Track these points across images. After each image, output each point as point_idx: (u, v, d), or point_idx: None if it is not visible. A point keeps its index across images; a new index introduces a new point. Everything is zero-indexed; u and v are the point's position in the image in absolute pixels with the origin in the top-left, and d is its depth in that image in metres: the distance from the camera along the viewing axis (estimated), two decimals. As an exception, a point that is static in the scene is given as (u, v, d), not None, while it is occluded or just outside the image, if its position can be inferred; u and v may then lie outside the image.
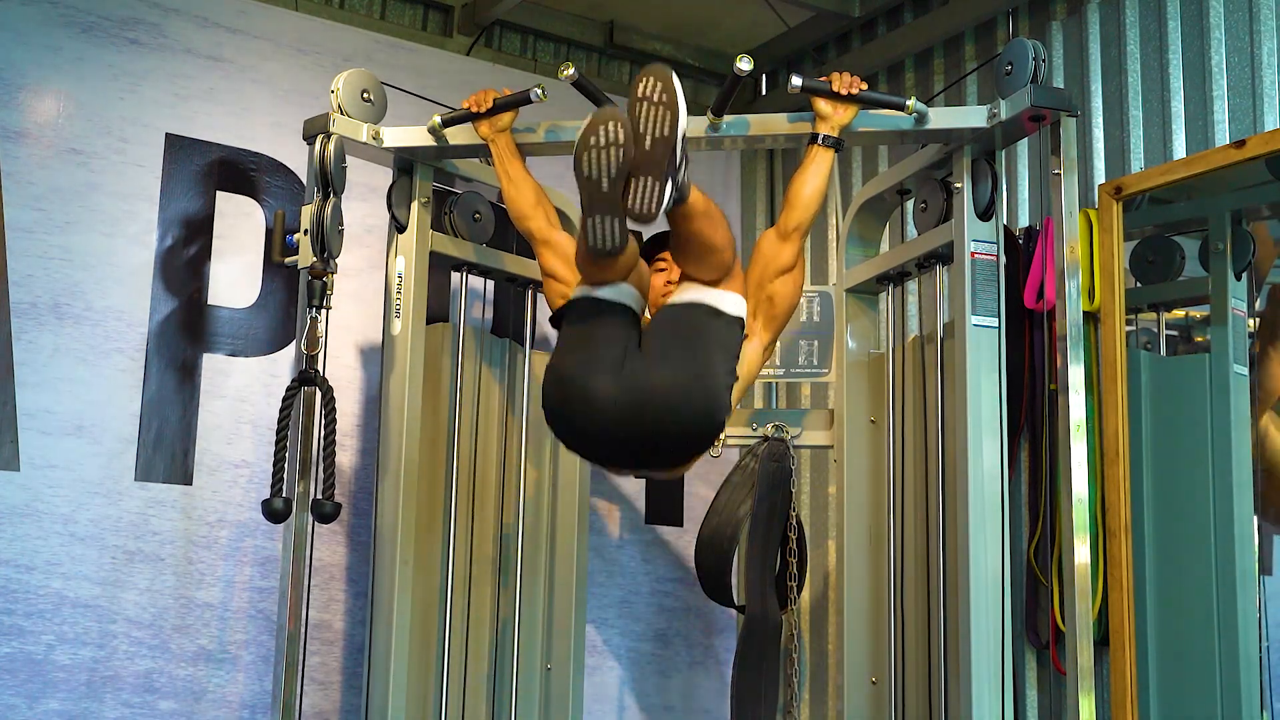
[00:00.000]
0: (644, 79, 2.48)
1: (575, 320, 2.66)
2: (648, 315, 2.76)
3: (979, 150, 2.99)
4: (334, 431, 3.00)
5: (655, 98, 2.47)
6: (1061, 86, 3.40)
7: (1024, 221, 3.48)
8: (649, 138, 2.46)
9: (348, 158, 3.09)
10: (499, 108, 3.03)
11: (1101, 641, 3.04)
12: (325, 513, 2.96)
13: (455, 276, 3.44)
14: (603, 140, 2.44)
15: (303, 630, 2.98)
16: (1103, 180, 3.28)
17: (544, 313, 3.53)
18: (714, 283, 2.69)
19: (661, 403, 2.53)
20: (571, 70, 2.95)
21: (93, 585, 3.24)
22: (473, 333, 3.46)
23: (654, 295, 2.89)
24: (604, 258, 2.53)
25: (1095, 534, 3.04)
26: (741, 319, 2.71)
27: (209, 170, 3.53)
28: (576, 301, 2.67)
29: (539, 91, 2.97)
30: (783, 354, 3.55)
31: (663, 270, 3.04)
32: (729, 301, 2.69)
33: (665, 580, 4.10)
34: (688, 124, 2.52)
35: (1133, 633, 2.99)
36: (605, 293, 2.64)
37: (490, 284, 3.63)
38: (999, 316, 2.95)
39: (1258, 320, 3.11)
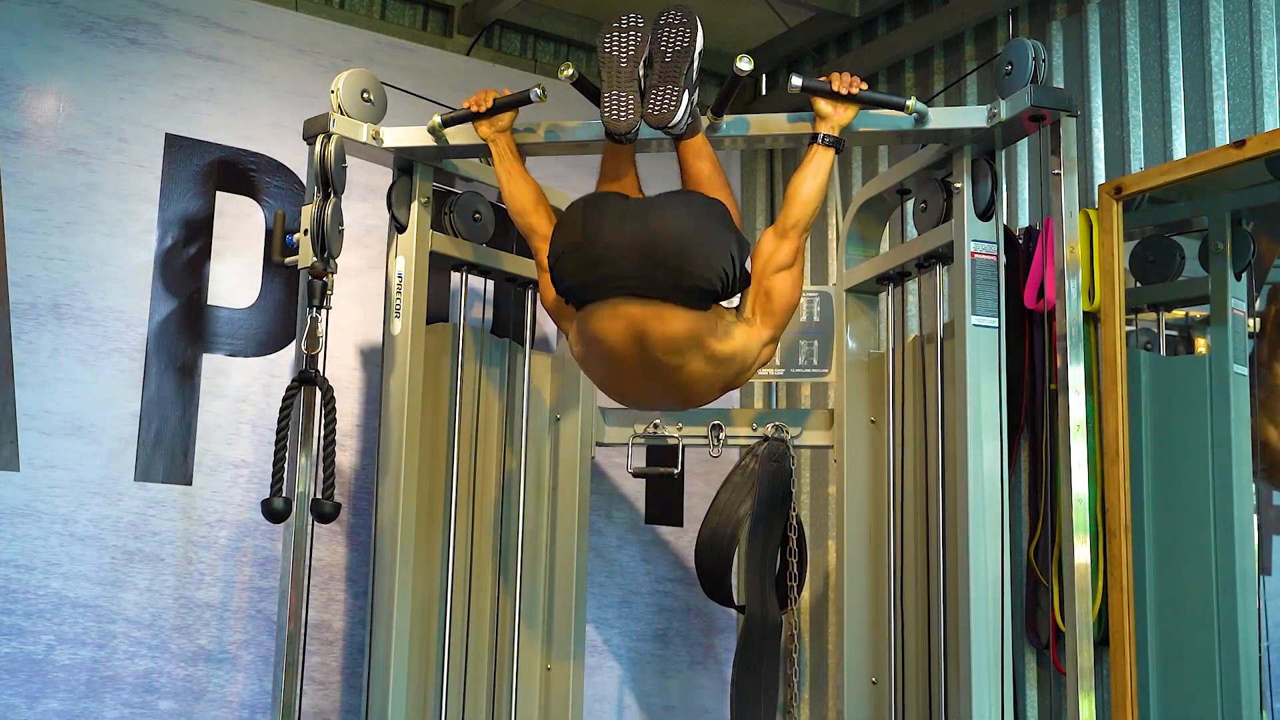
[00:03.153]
0: (667, 10, 2.80)
1: (577, 201, 2.80)
2: None
3: (979, 150, 2.99)
4: (334, 431, 3.00)
5: (676, 20, 2.79)
6: (1061, 86, 3.40)
7: (1024, 221, 3.49)
8: (670, 52, 2.77)
9: (348, 158, 3.09)
10: (499, 108, 3.03)
11: (1101, 641, 3.04)
12: (325, 513, 2.96)
13: (455, 276, 3.44)
14: (625, 24, 2.79)
15: (303, 630, 2.98)
16: (1103, 180, 3.28)
17: (544, 313, 3.54)
18: None
19: (665, 224, 2.64)
20: (571, 70, 2.95)
21: (92, 585, 3.24)
22: (473, 333, 3.46)
23: None
24: (618, 136, 2.75)
25: (1095, 534, 3.04)
26: (730, 219, 2.77)
27: (209, 170, 3.53)
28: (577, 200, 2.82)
29: (539, 91, 2.96)
30: (783, 354, 3.55)
31: None
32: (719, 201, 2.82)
33: (665, 580, 4.10)
34: (702, 44, 2.80)
35: (1133, 633, 2.99)
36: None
37: (490, 284, 3.63)
38: (999, 316, 2.95)
39: (1258, 320, 3.11)
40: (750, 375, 2.90)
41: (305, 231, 3.02)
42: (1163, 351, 3.27)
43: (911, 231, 3.43)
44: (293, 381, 3.01)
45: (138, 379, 3.36)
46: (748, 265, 2.81)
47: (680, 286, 2.64)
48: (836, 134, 2.90)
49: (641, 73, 2.78)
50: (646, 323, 2.66)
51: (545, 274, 2.97)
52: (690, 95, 2.78)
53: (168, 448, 3.38)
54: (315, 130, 3.07)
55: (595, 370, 2.88)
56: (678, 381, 2.78)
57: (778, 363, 3.55)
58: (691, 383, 2.79)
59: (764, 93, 4.39)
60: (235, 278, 3.54)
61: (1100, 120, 3.34)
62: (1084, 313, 2.90)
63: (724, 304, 2.83)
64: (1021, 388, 3.26)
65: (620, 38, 2.78)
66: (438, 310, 3.45)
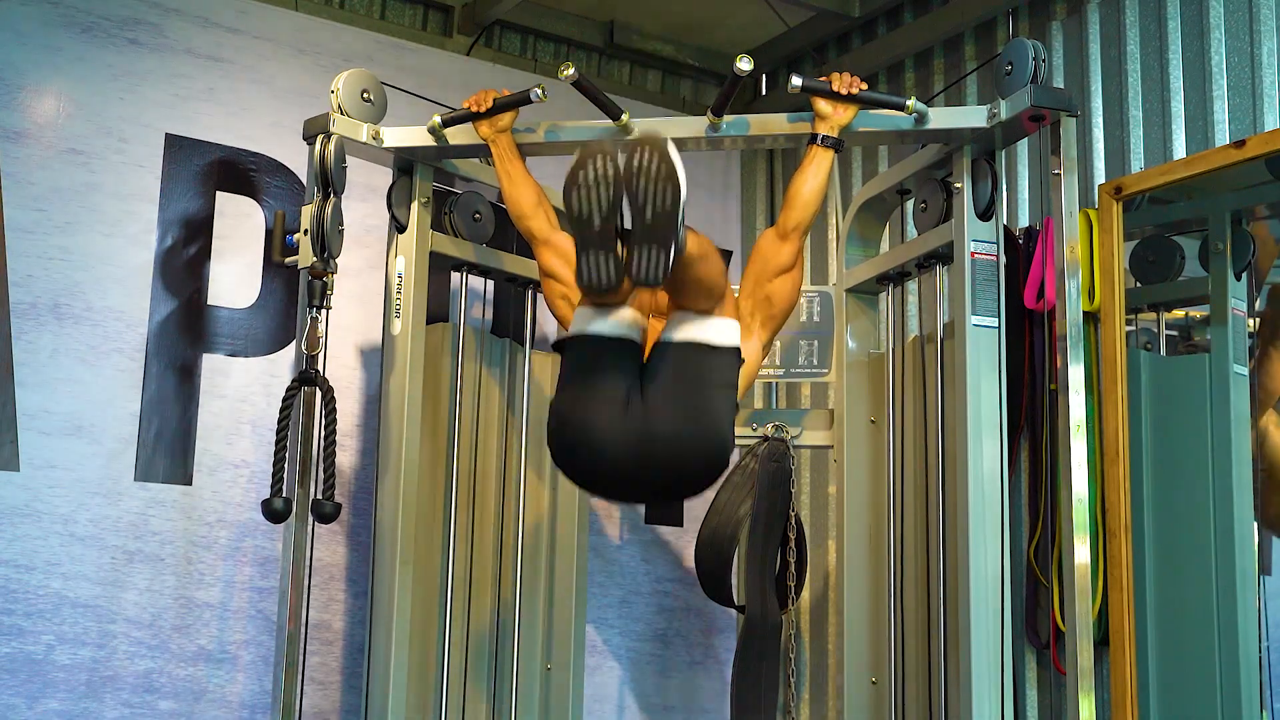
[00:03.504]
0: (639, 150, 2.38)
1: (576, 359, 2.66)
2: (654, 323, 2.77)
3: (979, 150, 2.99)
4: (334, 431, 3.00)
5: (653, 171, 2.37)
6: (1061, 86, 3.39)
7: (1024, 221, 3.48)
8: (650, 210, 2.38)
9: (348, 158, 3.09)
10: (499, 108, 3.03)
11: (1101, 641, 3.04)
12: (325, 513, 2.96)
13: (455, 276, 3.44)
14: (592, 177, 2.39)
15: (303, 630, 2.98)
16: (1103, 180, 3.28)
17: (544, 313, 3.54)
18: (708, 311, 2.67)
19: (666, 449, 2.58)
20: (571, 70, 2.95)
21: (92, 585, 3.24)
22: (473, 333, 3.46)
23: (654, 302, 2.92)
24: (601, 294, 2.52)
25: (1095, 534, 3.04)
26: (737, 347, 2.71)
27: (209, 170, 3.53)
28: (577, 339, 2.66)
29: (539, 91, 2.96)
30: (783, 354, 3.55)
31: None
32: (724, 332, 2.69)
33: (665, 580, 4.10)
34: (686, 195, 2.42)
35: (1133, 633, 2.99)
36: (605, 327, 2.63)
37: (490, 284, 3.63)
38: (999, 316, 2.95)
39: (1258, 320, 3.11)
40: (751, 382, 2.93)
41: (305, 231, 3.02)
42: (1163, 351, 3.27)
43: (911, 231, 3.43)
44: (293, 381, 3.01)
45: (138, 379, 3.36)
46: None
47: (684, 490, 2.86)
48: (836, 134, 2.90)
49: (618, 225, 2.45)
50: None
51: (549, 280, 2.97)
52: (675, 246, 2.43)
53: (168, 448, 3.38)
54: (315, 130, 3.07)
55: None
56: None
57: (778, 363, 3.55)
58: None
59: (764, 93, 4.39)
60: (235, 278, 3.54)
61: (1100, 120, 3.34)
62: (1084, 313, 2.91)
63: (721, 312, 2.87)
64: (1021, 388, 3.26)
65: (589, 194, 2.39)
66: (438, 310, 3.45)
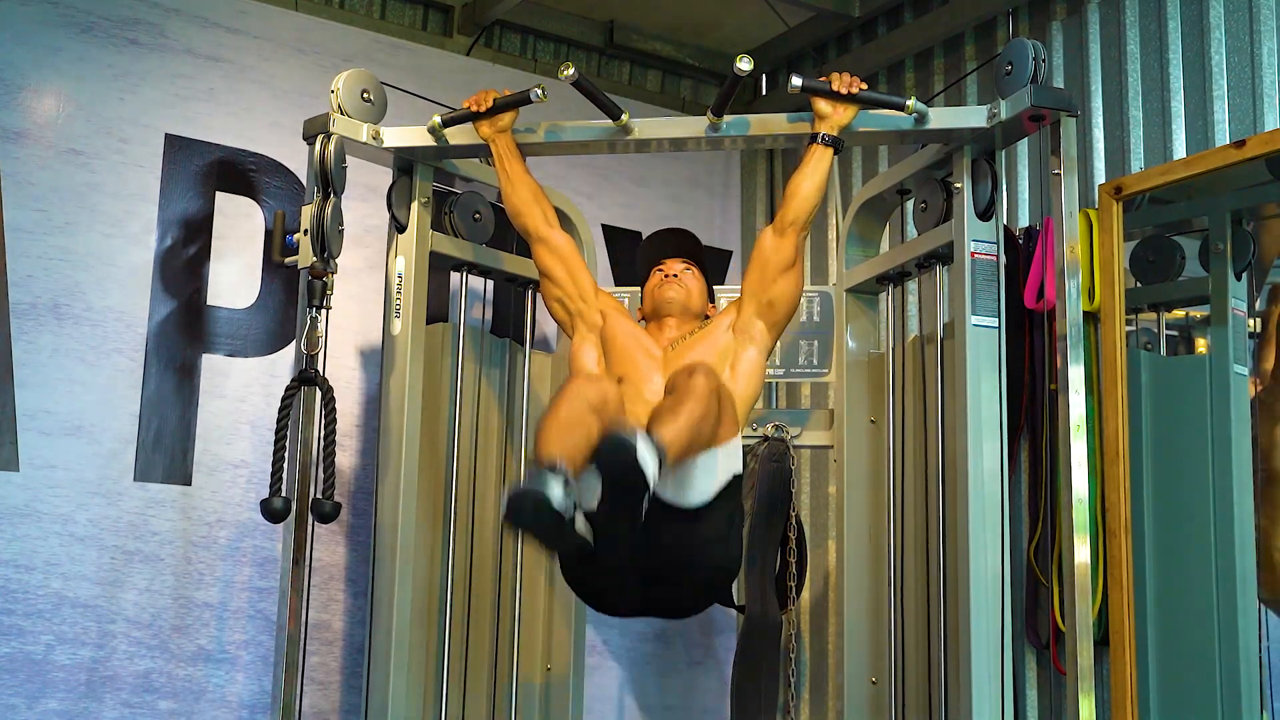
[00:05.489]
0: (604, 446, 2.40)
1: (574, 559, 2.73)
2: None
3: (979, 150, 2.99)
4: (334, 431, 3.00)
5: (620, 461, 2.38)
6: (1061, 86, 3.40)
7: (1024, 221, 3.48)
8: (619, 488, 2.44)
9: (348, 158, 3.09)
10: (499, 108, 3.03)
11: (1101, 641, 3.04)
12: (325, 513, 2.96)
13: (455, 276, 3.44)
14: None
15: (302, 630, 2.98)
16: (1103, 180, 3.28)
17: (544, 312, 3.53)
18: (709, 443, 2.64)
19: (678, 595, 2.76)
20: (571, 70, 2.95)
21: (92, 585, 3.24)
22: (473, 333, 3.46)
23: (651, 294, 2.94)
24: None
25: (1095, 534, 3.04)
26: (739, 473, 2.75)
27: (209, 170, 3.52)
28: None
29: (539, 91, 2.96)
30: (783, 354, 3.54)
31: (660, 270, 3.08)
32: (725, 466, 2.70)
33: (665, 580, 4.10)
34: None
35: (1133, 633, 2.99)
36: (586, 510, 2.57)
37: (490, 284, 3.63)
38: (999, 316, 2.95)
39: (1258, 320, 3.11)
40: (756, 395, 2.97)
41: (305, 231, 3.02)
42: (1163, 351, 3.27)
43: (911, 231, 3.43)
44: (292, 381, 3.01)
45: (137, 379, 3.36)
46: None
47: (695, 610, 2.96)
48: (836, 134, 2.90)
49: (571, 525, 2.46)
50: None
51: (547, 282, 2.98)
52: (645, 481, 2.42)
53: (167, 448, 3.38)
54: (315, 130, 3.07)
55: None
56: None
57: (778, 363, 3.55)
58: None
59: (764, 93, 4.39)
60: (235, 278, 3.54)
61: (1100, 120, 3.34)
62: (1084, 313, 2.90)
63: (719, 310, 2.87)
64: (1021, 388, 3.26)
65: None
66: (438, 310, 3.45)
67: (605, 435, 2.40)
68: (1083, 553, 2.78)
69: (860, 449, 3.37)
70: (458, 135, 3.11)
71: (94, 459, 3.28)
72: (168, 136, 3.47)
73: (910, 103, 2.92)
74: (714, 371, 2.69)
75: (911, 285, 3.42)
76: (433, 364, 3.31)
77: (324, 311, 3.03)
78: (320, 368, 3.03)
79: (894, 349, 3.32)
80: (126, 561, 3.29)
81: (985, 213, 2.96)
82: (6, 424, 3.18)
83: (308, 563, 3.01)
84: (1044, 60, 2.86)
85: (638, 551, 2.61)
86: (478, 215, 3.42)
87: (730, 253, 4.31)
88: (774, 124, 3.05)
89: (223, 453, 3.45)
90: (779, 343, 3.44)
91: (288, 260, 3.15)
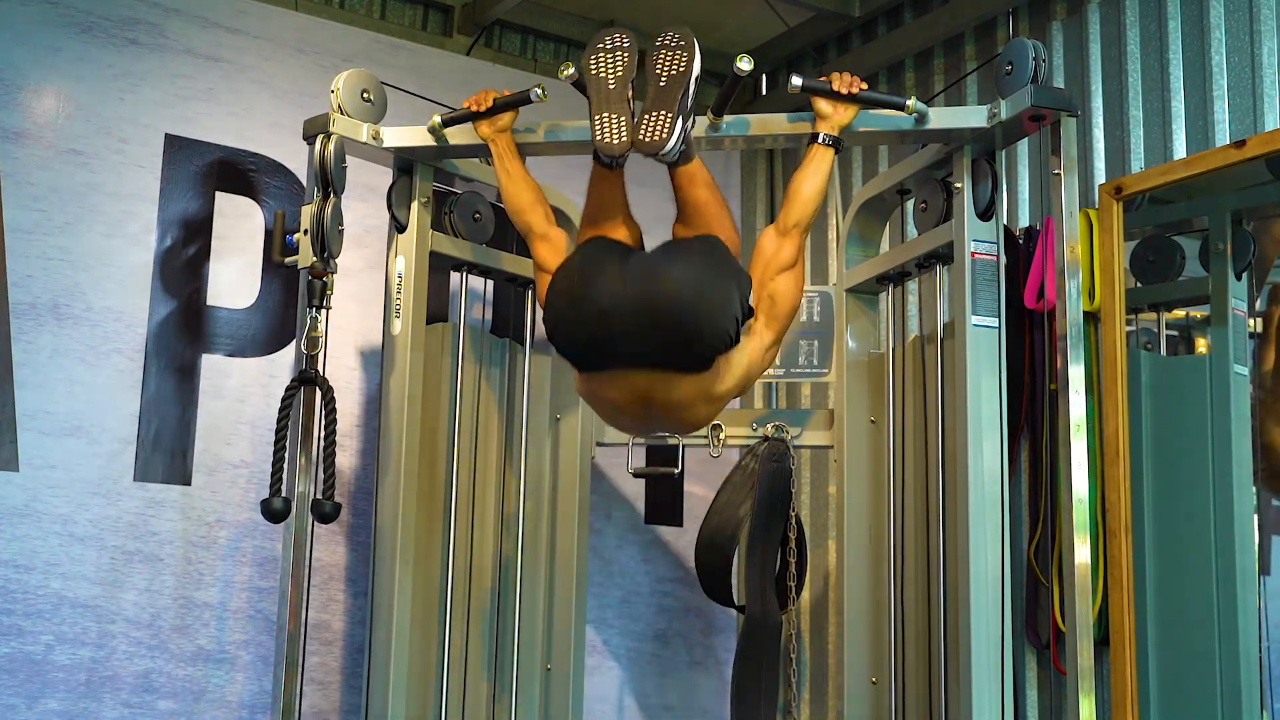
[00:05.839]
0: (665, 32, 2.70)
1: (574, 255, 2.76)
2: None
3: (979, 150, 2.99)
4: (334, 431, 2.99)
5: (673, 43, 2.69)
6: (1061, 86, 3.39)
7: (1024, 221, 3.48)
8: (665, 76, 2.66)
9: (348, 158, 3.09)
10: (499, 108, 3.03)
11: (1101, 641, 3.04)
12: (325, 513, 2.96)
13: (455, 276, 3.44)
14: (610, 44, 2.70)
15: (302, 630, 2.98)
16: (1103, 180, 3.28)
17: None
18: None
19: (668, 293, 2.55)
20: (571, 70, 2.95)
21: (92, 585, 3.24)
22: (473, 333, 3.46)
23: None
24: (609, 156, 2.65)
25: (1095, 534, 3.04)
26: (744, 271, 2.74)
27: (209, 171, 3.52)
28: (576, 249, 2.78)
29: (539, 91, 2.96)
30: (783, 354, 3.54)
31: None
32: (726, 256, 2.75)
33: (665, 580, 4.10)
34: (700, 69, 2.69)
35: (1133, 633, 2.99)
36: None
37: (490, 284, 3.63)
38: (999, 316, 2.95)
39: (1259, 320, 3.11)
40: (754, 382, 2.92)
41: (305, 231, 3.02)
42: (1163, 351, 3.27)
43: (911, 231, 3.43)
44: (292, 381, 3.01)
45: (137, 379, 3.36)
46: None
47: (688, 354, 2.62)
48: (836, 134, 2.90)
49: (630, 94, 2.68)
50: (652, 390, 2.67)
51: (544, 275, 2.97)
52: (684, 122, 2.67)
53: (167, 448, 3.38)
54: (315, 130, 3.07)
55: (597, 406, 2.91)
56: (682, 420, 2.82)
57: (778, 363, 3.55)
58: (697, 420, 2.83)
59: (764, 93, 4.39)
60: (235, 278, 3.54)
61: (1100, 120, 3.34)
62: (1084, 313, 2.90)
63: None
64: (1021, 388, 3.26)
65: (607, 58, 2.68)
66: (438, 310, 3.45)
67: None
68: (1083, 553, 2.78)
69: (860, 449, 3.37)
70: (458, 135, 3.11)
71: (94, 459, 3.28)
72: (168, 136, 3.47)
73: (910, 103, 2.92)
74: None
75: (911, 285, 3.42)
76: (433, 364, 3.31)
77: (324, 311, 3.03)
78: (320, 368, 3.03)
79: (894, 349, 3.32)
80: (126, 561, 3.29)
81: (985, 213, 2.96)
82: (6, 424, 3.18)
83: (308, 563, 3.00)
84: (1044, 60, 2.86)
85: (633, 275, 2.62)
86: (478, 215, 3.42)
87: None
88: (774, 124, 3.05)
89: (223, 453, 3.45)
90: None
91: (288, 260, 3.15)
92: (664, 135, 2.60)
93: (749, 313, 2.72)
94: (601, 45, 2.68)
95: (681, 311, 2.55)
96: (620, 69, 2.66)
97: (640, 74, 2.72)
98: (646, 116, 2.63)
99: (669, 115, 2.62)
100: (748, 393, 4.22)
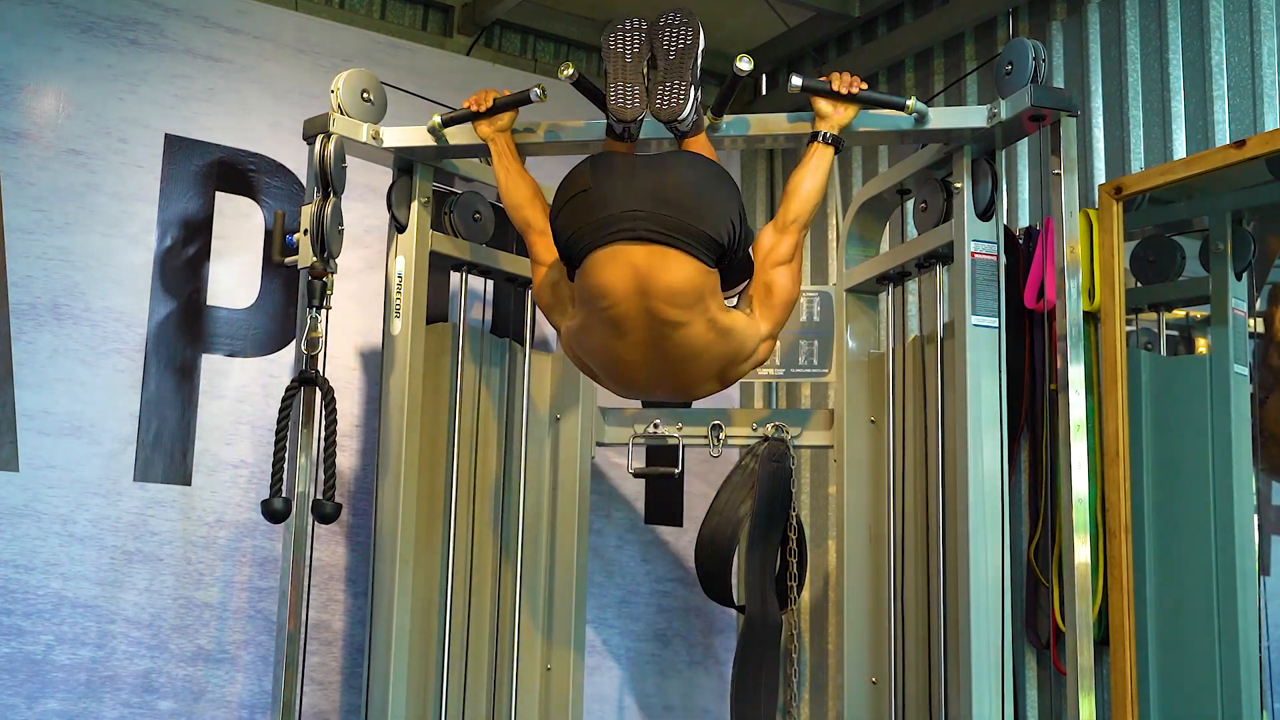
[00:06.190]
0: (667, 12, 2.84)
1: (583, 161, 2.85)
2: None
3: (979, 150, 2.99)
4: (334, 431, 2.99)
5: (677, 21, 2.83)
6: (1061, 86, 3.39)
7: (1024, 221, 3.48)
8: (673, 50, 2.80)
9: (348, 158, 3.09)
10: (499, 108, 3.03)
11: (1101, 641, 3.04)
12: (325, 513, 2.96)
13: (455, 276, 3.44)
14: (629, 25, 2.85)
15: (302, 630, 2.98)
16: (1103, 180, 3.28)
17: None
18: None
19: (677, 176, 2.72)
20: (571, 70, 2.95)
21: (91, 585, 3.24)
22: (473, 333, 3.46)
23: None
24: (624, 125, 2.80)
25: (1095, 534, 3.04)
26: (740, 199, 2.83)
27: (208, 171, 3.52)
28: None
29: (539, 91, 2.96)
30: (783, 354, 3.54)
31: None
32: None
33: (665, 580, 4.10)
34: (704, 42, 2.82)
35: (1133, 633, 2.99)
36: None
37: (490, 284, 3.63)
38: (999, 316, 2.95)
39: (1259, 320, 3.11)
40: (747, 369, 2.88)
41: (305, 231, 3.02)
42: (1163, 351, 3.27)
43: (911, 231, 3.43)
44: (292, 381, 3.01)
45: (137, 379, 3.36)
46: (750, 251, 2.84)
47: (687, 230, 2.66)
48: (836, 133, 2.90)
49: (646, 70, 2.83)
50: (650, 269, 2.66)
51: (540, 268, 2.96)
52: (696, 91, 2.81)
53: (167, 448, 3.38)
54: (315, 130, 3.07)
55: (592, 345, 2.84)
56: (678, 345, 2.75)
57: (778, 363, 3.55)
58: (692, 353, 2.77)
59: (764, 93, 4.39)
60: (235, 278, 3.54)
61: (1100, 120, 3.34)
62: (1084, 313, 2.90)
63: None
64: (1021, 388, 3.26)
65: (625, 37, 2.84)
66: (438, 310, 3.45)
67: None
68: (1083, 553, 2.78)
69: (860, 449, 3.37)
70: (458, 135, 3.11)
71: (94, 459, 3.28)
72: (167, 137, 3.47)
73: (910, 103, 2.92)
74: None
75: (911, 285, 3.42)
76: (433, 364, 3.31)
77: (324, 311, 3.03)
78: (320, 368, 3.03)
79: (894, 349, 3.32)
80: (126, 561, 3.29)
81: (985, 213, 2.96)
82: (6, 424, 3.18)
83: (308, 563, 3.01)
84: (1044, 60, 2.86)
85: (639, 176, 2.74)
86: (478, 215, 3.42)
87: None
88: (774, 124, 3.05)
89: (223, 453, 3.45)
90: (779, 343, 3.44)
91: (288, 260, 3.15)
92: (679, 102, 2.78)
93: (747, 266, 2.84)
94: (620, 26, 2.86)
95: (685, 185, 2.71)
96: (637, 47, 2.83)
97: (651, 54, 2.88)
98: (660, 87, 2.79)
99: (682, 84, 2.79)
100: (747, 393, 4.24)
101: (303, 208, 3.05)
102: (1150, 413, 3.13)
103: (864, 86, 2.90)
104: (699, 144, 2.87)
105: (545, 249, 2.96)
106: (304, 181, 3.17)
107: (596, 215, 2.69)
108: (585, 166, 2.80)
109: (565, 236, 2.76)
